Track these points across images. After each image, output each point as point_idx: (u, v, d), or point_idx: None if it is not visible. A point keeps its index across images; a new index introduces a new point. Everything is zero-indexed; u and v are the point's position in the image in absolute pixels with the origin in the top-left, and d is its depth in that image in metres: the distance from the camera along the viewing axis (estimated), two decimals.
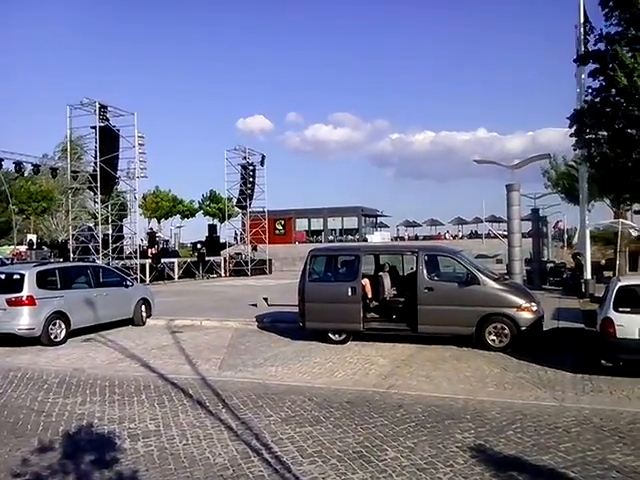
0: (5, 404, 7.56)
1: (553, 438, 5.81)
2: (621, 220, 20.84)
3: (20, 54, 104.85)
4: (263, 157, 39.77)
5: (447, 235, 59.52)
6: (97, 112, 26.52)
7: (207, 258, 36.10)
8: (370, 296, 11.57)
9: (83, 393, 8.04)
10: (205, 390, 8.02)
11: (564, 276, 22.49)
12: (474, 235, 58.22)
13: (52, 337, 11.96)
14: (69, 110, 27.14)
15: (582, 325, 11.80)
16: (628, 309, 8.20)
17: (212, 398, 7.59)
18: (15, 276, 12.29)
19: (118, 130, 28.06)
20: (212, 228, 46.57)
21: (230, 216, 42.76)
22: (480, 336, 10.29)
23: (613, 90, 15.35)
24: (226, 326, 13.95)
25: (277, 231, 52.75)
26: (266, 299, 16.73)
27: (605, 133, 16.27)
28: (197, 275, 34.04)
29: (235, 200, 39.89)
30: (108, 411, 7.13)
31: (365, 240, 52.09)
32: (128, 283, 14.98)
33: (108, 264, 23.82)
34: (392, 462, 5.23)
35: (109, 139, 27.41)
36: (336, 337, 11.25)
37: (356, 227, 58.61)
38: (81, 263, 19.77)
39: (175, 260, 34.36)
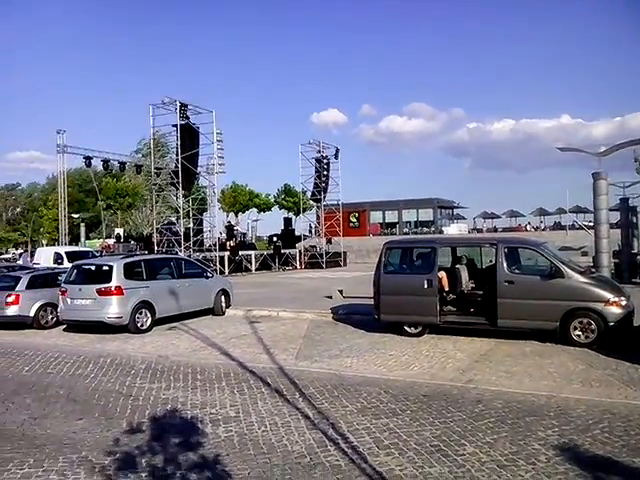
0: (96, 388, 8.04)
1: None
2: None
3: (109, 57, 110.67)
4: (337, 150, 39.87)
5: (528, 227, 57.12)
6: (178, 110, 27.45)
7: (283, 251, 36.70)
8: (447, 289, 11.35)
9: (167, 379, 8.41)
10: (282, 379, 8.17)
11: None
12: (557, 226, 55.59)
13: (139, 325, 12.59)
14: (151, 109, 28.28)
15: None
16: None
17: (289, 387, 7.72)
18: (104, 267, 13.02)
19: (198, 127, 28.95)
20: (287, 221, 47.29)
21: (305, 209, 43.24)
22: (564, 331, 9.84)
23: None
24: (302, 317, 14.15)
25: (351, 224, 52.77)
26: (341, 291, 16.80)
27: None
28: (273, 267, 34.71)
29: (310, 193, 40.26)
30: (191, 396, 7.43)
31: (441, 232, 51.10)
32: (208, 274, 15.51)
33: (189, 256, 24.73)
34: (471, 457, 5.12)
35: (189, 136, 28.32)
36: (412, 330, 11.14)
37: (432, 219, 57.54)
38: (165, 255, 20.67)
39: (252, 253, 35.17)
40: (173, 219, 34.52)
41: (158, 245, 29.40)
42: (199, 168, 30.40)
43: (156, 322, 13.04)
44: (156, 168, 33.25)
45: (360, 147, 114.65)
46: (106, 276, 12.58)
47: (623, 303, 9.81)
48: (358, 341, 10.99)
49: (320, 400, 7.06)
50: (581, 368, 8.41)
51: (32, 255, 31.24)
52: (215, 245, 31.88)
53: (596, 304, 9.71)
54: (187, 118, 27.97)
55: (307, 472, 4.90)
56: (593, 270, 13.50)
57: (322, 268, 36.37)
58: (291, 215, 64.91)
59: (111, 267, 12.71)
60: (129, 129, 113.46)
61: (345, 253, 40.57)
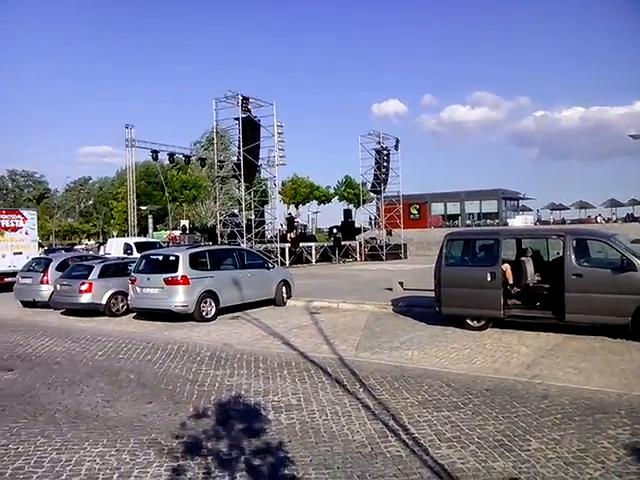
0: (164, 373, 8.36)
1: None
2: None
3: (174, 53, 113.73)
4: (397, 141, 39.51)
5: (598, 218, 54.66)
6: (240, 104, 27.92)
7: (343, 243, 36.77)
8: (511, 282, 11.07)
9: (231, 366, 8.64)
10: (342, 369, 8.22)
11: None
12: (630, 218, 52.95)
13: (204, 314, 12.96)
14: (215, 103, 28.89)
15: None
16: None
17: (349, 377, 7.77)
18: (171, 258, 13.46)
19: (259, 120, 29.36)
20: (347, 213, 47.24)
21: (365, 201, 43.10)
22: (637, 327, 9.40)
23: None
24: (362, 309, 14.16)
25: (412, 216, 52.24)
26: (401, 283, 16.70)
27: None
28: (333, 259, 34.85)
29: (370, 185, 40.09)
30: (254, 384, 7.61)
31: (505, 224, 49.72)
32: (270, 265, 15.77)
33: (251, 247, 25.20)
34: (536, 453, 5.00)
35: (251, 129, 28.78)
36: (474, 323, 10.94)
37: (496, 211, 56.12)
38: (228, 246, 21.15)
39: (312, 244, 35.44)
40: (235, 211, 35.22)
41: (222, 236, 30.08)
42: (260, 160, 30.89)
43: (220, 311, 13.39)
44: (219, 161, 34.01)
45: (421, 138, 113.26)
46: (173, 266, 13.01)
47: None
48: (419, 333, 10.90)
49: (380, 391, 7.07)
50: None
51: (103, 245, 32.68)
52: (276, 237, 32.33)
53: None
54: (248, 111, 28.42)
55: (368, 461, 4.93)
56: None
57: (382, 260, 36.24)
58: (351, 207, 64.87)
59: (177, 257, 13.13)
60: (192, 123, 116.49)
61: (405, 245, 40.23)
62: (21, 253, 21.23)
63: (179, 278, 12.78)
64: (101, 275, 14.52)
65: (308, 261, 33.06)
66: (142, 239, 30.81)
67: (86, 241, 66.70)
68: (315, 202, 77.03)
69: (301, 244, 33.88)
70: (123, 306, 14.35)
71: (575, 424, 5.72)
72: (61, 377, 8.23)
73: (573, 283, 9.82)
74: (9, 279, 19.40)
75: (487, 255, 11.16)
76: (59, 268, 16.19)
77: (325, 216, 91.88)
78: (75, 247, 51.27)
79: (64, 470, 4.88)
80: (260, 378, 7.90)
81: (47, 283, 15.92)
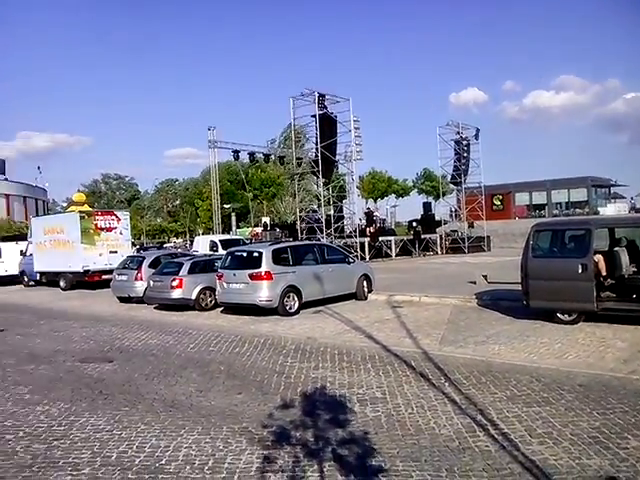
0: (252, 365, 8.65)
1: None
2: None
3: (250, 56, 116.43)
4: (477, 130, 38.41)
5: None
6: (316, 101, 28.16)
7: (423, 236, 36.25)
8: (604, 273, 10.54)
9: (316, 359, 8.80)
10: (427, 363, 8.17)
11: None
12: None
13: (287, 308, 13.27)
14: (292, 102, 29.29)
15: None
16: None
17: (434, 371, 7.71)
18: (254, 254, 13.86)
19: (335, 116, 29.49)
20: (427, 206, 46.48)
21: (445, 193, 42.28)
22: None
23: None
24: (445, 303, 13.96)
25: (495, 206, 50.65)
26: (485, 276, 16.28)
27: None
28: (413, 253, 34.46)
29: (449, 177, 39.27)
30: (338, 376, 7.72)
31: (596, 213, 47.11)
32: (350, 260, 15.86)
33: (331, 242, 25.40)
34: (635, 451, 4.77)
35: (328, 125, 28.93)
36: (565, 317, 10.51)
37: (585, 199, 53.18)
38: (308, 242, 21.43)
39: (392, 238, 35.17)
40: (314, 207, 35.59)
41: (302, 232, 30.52)
42: (337, 156, 30.96)
43: (302, 306, 13.64)
44: (297, 158, 34.50)
45: (502, 126, 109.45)
46: (256, 262, 13.40)
47: None
48: (505, 327, 10.61)
49: (467, 386, 6.97)
50: None
51: (191, 243, 34.10)
52: (355, 231, 32.35)
53: None
54: (325, 108, 28.58)
55: (456, 455, 4.90)
56: None
57: (464, 253, 35.44)
58: (430, 200, 63.83)
59: (261, 253, 13.50)
60: (270, 122, 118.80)
61: (489, 237, 39.09)
62: (116, 252, 22.53)
63: (263, 273, 13.13)
64: (190, 271, 15.19)
65: (388, 255, 32.88)
66: (226, 236, 31.91)
67: (174, 239, 69.75)
68: (393, 196, 76.48)
69: (380, 238, 33.69)
70: (211, 301, 14.93)
71: None
72: (157, 368, 8.72)
73: None
74: (106, 276, 20.77)
75: (577, 246, 10.67)
76: (151, 265, 17.10)
77: (404, 210, 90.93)
78: (164, 245, 53.81)
79: (164, 455, 5.19)
80: (344, 371, 8.00)
81: (141, 280, 16.86)
